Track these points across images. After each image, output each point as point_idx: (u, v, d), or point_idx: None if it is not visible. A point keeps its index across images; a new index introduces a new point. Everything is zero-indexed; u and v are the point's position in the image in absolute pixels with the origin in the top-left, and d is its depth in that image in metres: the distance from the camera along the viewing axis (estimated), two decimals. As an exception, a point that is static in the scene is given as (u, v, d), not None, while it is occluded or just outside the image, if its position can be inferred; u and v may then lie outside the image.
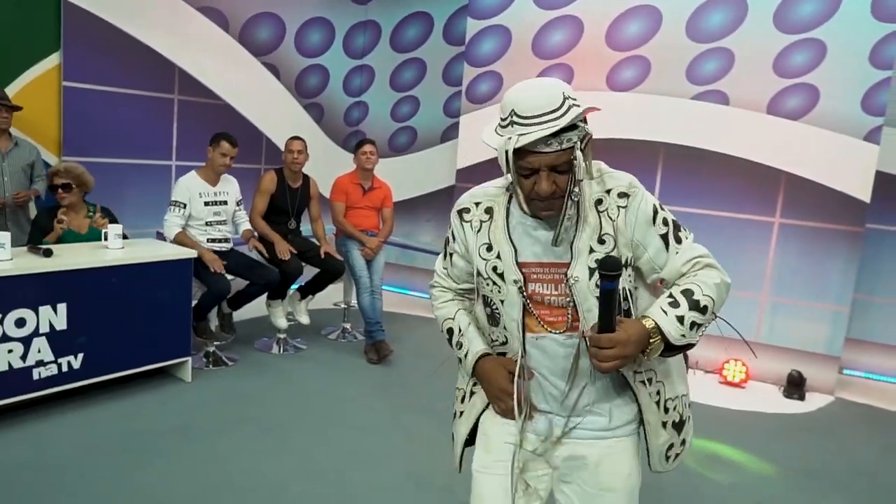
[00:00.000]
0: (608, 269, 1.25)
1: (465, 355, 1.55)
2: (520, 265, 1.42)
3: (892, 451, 3.84)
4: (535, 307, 1.43)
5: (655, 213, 1.41)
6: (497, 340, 1.52)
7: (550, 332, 1.43)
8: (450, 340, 1.59)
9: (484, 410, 1.59)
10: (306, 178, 4.78)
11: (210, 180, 4.26)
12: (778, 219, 4.69)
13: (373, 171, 4.92)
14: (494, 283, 1.45)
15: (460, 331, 1.57)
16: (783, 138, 4.62)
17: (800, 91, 4.58)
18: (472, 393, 1.61)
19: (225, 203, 4.33)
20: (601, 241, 1.38)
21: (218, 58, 5.25)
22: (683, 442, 1.57)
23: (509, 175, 1.37)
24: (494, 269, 1.44)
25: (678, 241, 1.43)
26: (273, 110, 5.79)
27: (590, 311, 1.38)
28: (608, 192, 1.40)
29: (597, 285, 1.34)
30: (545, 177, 1.29)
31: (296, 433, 3.38)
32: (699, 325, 1.36)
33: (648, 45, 4.93)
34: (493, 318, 1.50)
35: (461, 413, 1.64)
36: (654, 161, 4.94)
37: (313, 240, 4.86)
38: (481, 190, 1.51)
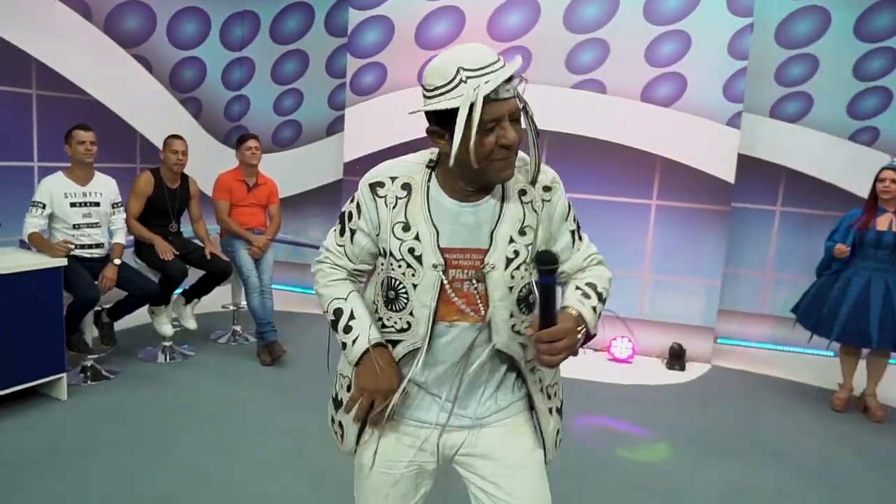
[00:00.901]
0: (546, 264, 1.22)
1: (354, 341, 1.41)
2: (441, 250, 1.36)
3: (764, 411, 4.17)
4: (454, 293, 1.38)
5: (569, 209, 1.47)
6: (393, 327, 1.42)
7: (463, 322, 1.40)
8: (335, 322, 1.44)
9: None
10: (185, 178, 4.54)
11: (79, 179, 3.93)
12: (655, 201, 4.95)
13: (257, 167, 4.76)
14: (409, 265, 1.36)
15: (352, 314, 1.43)
16: (656, 124, 4.87)
17: (669, 80, 4.85)
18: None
19: (97, 204, 4.00)
20: (522, 233, 1.38)
21: (81, 49, 4.87)
22: (562, 427, 1.62)
23: (430, 151, 1.40)
24: (411, 250, 1.35)
25: (580, 238, 1.50)
26: (146, 106, 5.45)
27: (501, 301, 1.37)
28: (532, 183, 1.40)
29: (511, 276, 1.36)
30: (510, 126, 1.25)
31: (185, 445, 3.21)
32: (600, 315, 1.42)
33: (528, 36, 5.05)
34: (396, 303, 1.40)
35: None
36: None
37: (196, 241, 4.64)
38: (399, 163, 1.41)
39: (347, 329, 1.42)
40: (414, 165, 1.40)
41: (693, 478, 3.17)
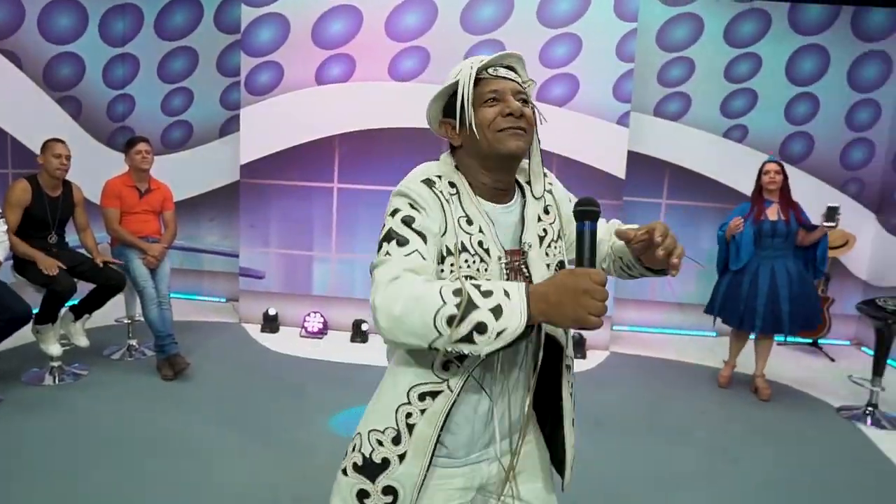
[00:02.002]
0: (588, 205, 1.17)
1: (507, 293, 1.12)
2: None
3: (661, 392, 4.46)
4: None
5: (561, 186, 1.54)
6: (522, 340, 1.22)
7: None
8: (466, 303, 1.11)
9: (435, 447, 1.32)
10: (67, 184, 4.23)
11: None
12: (552, 197, 5.15)
13: (149, 172, 4.52)
14: (482, 259, 1.30)
15: (476, 285, 1.14)
16: (551, 124, 5.03)
17: (563, 80, 5.05)
18: (409, 426, 1.31)
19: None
20: (546, 212, 1.44)
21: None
22: None
23: (444, 160, 1.39)
24: (480, 243, 1.31)
25: None
26: (17, 105, 5.04)
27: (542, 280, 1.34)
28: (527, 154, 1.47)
29: (546, 254, 1.39)
30: (511, 98, 1.31)
31: (84, 474, 2.97)
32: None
33: (426, 37, 5.09)
34: None
35: (401, 456, 1.32)
36: (438, 148, 5.10)
37: (83, 251, 4.35)
38: (432, 165, 1.37)
39: (488, 294, 1.12)
40: (446, 167, 1.38)
41: (599, 460, 3.35)
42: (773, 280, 4.24)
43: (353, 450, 1.38)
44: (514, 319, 1.10)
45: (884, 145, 5.74)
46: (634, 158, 5.42)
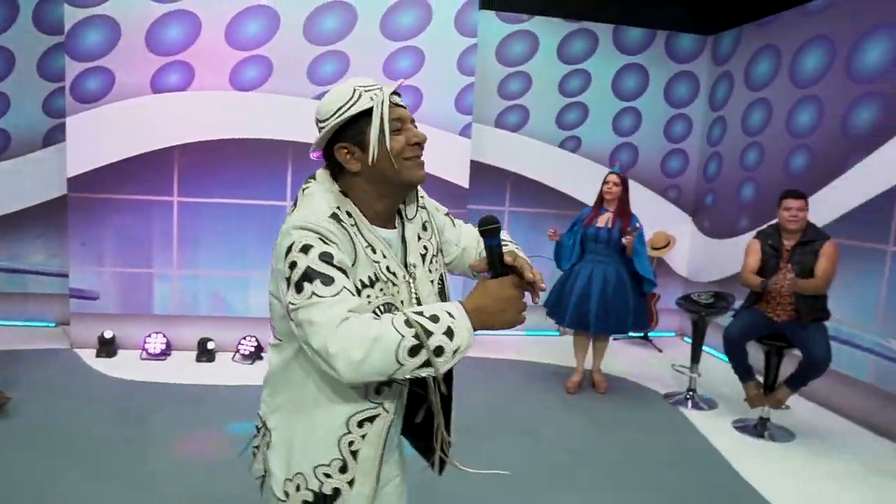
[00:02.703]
0: (488, 224, 1.30)
1: (450, 313, 1.20)
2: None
3: (509, 393, 4.66)
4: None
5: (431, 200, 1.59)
6: None
7: None
8: (422, 331, 1.16)
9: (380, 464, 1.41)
10: None
11: None
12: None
13: (-44, 187, 4.09)
14: (394, 283, 1.35)
15: (419, 311, 1.19)
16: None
17: (406, 93, 5.15)
18: (353, 453, 1.36)
19: None
20: (424, 228, 1.48)
21: None
22: None
23: (327, 188, 1.36)
24: (388, 268, 1.35)
25: (450, 217, 1.64)
26: None
27: (428, 297, 1.43)
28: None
29: (429, 270, 1.45)
30: (412, 127, 1.36)
31: None
32: None
33: (269, 46, 5.01)
34: None
35: (350, 482, 1.37)
36: (283, 160, 5.06)
37: None
38: (327, 196, 1.34)
39: (435, 318, 1.18)
40: (334, 196, 1.35)
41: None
42: (588, 282, 4.55)
43: (298, 489, 1.37)
44: (465, 336, 1.20)
45: (696, 156, 6.40)
46: (478, 168, 5.66)
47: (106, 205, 5.04)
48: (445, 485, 3.26)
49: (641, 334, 6.26)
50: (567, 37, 5.94)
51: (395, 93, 1.37)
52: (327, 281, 1.19)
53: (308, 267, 1.20)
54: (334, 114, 1.32)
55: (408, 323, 1.16)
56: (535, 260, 1.41)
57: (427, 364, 1.17)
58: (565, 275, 4.68)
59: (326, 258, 1.21)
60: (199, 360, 5.02)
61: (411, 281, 1.40)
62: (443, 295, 1.48)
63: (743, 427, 4.20)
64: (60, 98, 5.19)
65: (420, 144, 1.36)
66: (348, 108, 1.31)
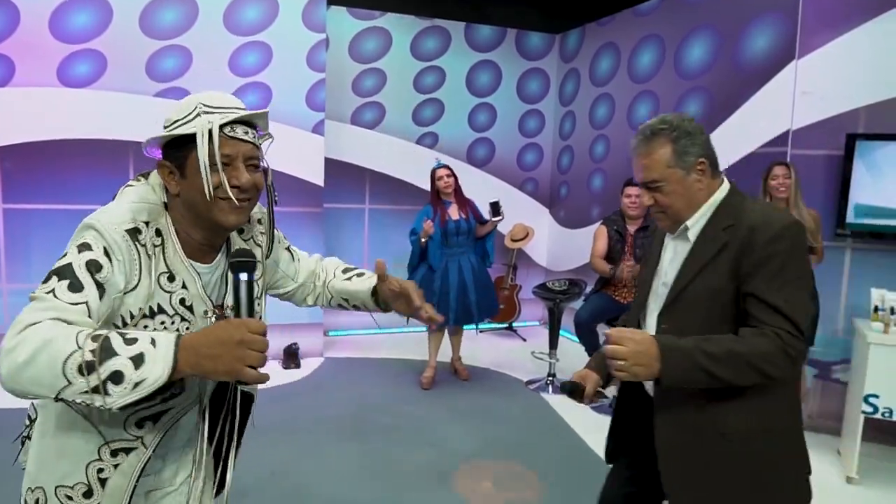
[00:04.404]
0: (241, 257, 1.19)
1: (153, 341, 1.03)
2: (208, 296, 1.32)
3: (372, 390, 4.64)
4: None
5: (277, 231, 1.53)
6: (160, 394, 1.12)
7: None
8: (103, 349, 1.00)
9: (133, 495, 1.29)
10: None
11: None
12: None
13: None
14: (184, 318, 1.26)
15: (121, 334, 1.04)
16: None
17: (255, 89, 5.00)
18: (101, 481, 1.26)
19: None
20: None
21: None
22: None
23: (151, 188, 1.27)
24: (182, 301, 1.25)
25: (294, 250, 1.61)
26: None
27: None
28: (248, 220, 1.41)
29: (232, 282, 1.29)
30: (243, 168, 1.23)
31: None
32: None
33: (101, 39, 4.68)
34: None
35: None
36: (124, 160, 4.75)
37: None
38: (141, 205, 1.22)
39: (132, 341, 1.02)
40: (155, 208, 1.25)
41: (318, 466, 3.39)
42: (461, 275, 4.64)
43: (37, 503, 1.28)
44: (157, 369, 1.01)
45: (549, 149, 6.65)
46: (335, 166, 5.59)
47: (-85, 214, 4.53)
48: (308, 485, 3.19)
49: (506, 325, 6.42)
50: (420, 34, 5.99)
51: (247, 122, 1.26)
52: (76, 287, 1.09)
53: (69, 264, 1.11)
54: (169, 125, 1.24)
55: (96, 338, 1.01)
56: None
57: (103, 391, 0.99)
58: (426, 275, 4.66)
59: (92, 268, 1.11)
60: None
61: (213, 319, 1.30)
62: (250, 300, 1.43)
63: (598, 407, 4.39)
64: None
65: (242, 189, 1.23)
66: (178, 126, 1.22)
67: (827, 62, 3.92)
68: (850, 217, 3.85)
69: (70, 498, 1.26)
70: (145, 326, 1.20)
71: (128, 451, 1.27)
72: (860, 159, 3.82)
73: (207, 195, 1.19)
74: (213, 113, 1.21)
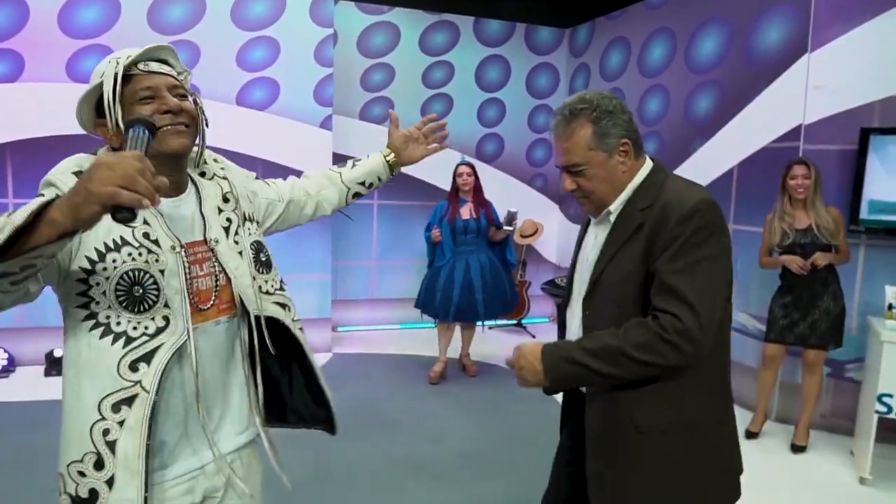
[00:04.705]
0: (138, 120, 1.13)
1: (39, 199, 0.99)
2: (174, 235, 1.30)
3: (381, 387, 4.63)
4: (195, 280, 1.30)
5: (247, 171, 1.58)
6: (145, 332, 1.21)
7: (215, 318, 1.34)
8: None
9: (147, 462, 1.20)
10: None
11: None
12: (263, 203, 5.08)
13: None
14: (150, 251, 1.23)
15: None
16: (253, 128, 4.98)
17: (263, 84, 4.99)
18: (110, 444, 1.19)
19: None
20: (225, 200, 1.42)
21: None
22: None
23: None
24: (146, 235, 1.24)
25: (268, 181, 1.63)
26: None
27: (238, 269, 1.36)
28: (204, 162, 1.45)
29: (235, 242, 1.39)
30: (169, 94, 1.25)
31: None
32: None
33: (110, 35, 4.68)
34: (145, 301, 1.21)
35: (109, 481, 1.19)
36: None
37: None
38: (82, 157, 1.26)
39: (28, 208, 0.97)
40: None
41: (322, 461, 3.38)
42: (467, 273, 4.62)
43: (60, 494, 1.23)
44: (21, 214, 0.95)
45: (559, 145, 6.59)
46: (342, 161, 5.56)
47: (-74, 209, 4.55)
48: (310, 479, 3.17)
49: (515, 322, 6.39)
50: (428, 28, 5.96)
51: (161, 60, 1.29)
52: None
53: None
54: (90, 90, 1.26)
55: None
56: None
57: None
58: (434, 271, 4.69)
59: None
60: (48, 374, 4.65)
61: (182, 252, 1.28)
62: (258, 263, 1.43)
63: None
64: None
65: (173, 112, 1.25)
66: (94, 83, 1.26)
67: (840, 55, 3.86)
68: (864, 213, 3.78)
69: (82, 474, 1.20)
70: (113, 260, 1.20)
71: (129, 400, 1.20)
72: (874, 154, 3.75)
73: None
74: (120, 58, 1.25)
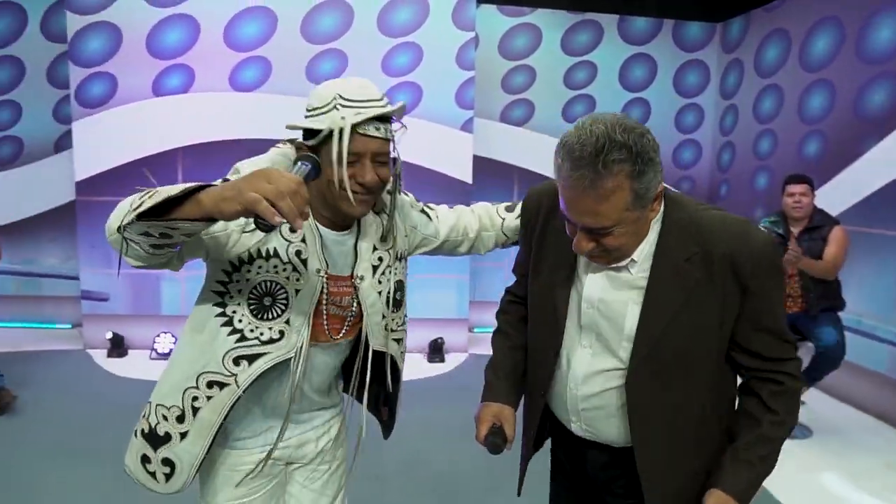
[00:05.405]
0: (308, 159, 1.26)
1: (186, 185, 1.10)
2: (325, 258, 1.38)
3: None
4: (329, 307, 1.39)
5: (408, 197, 1.59)
6: (258, 338, 1.33)
7: (332, 339, 1.43)
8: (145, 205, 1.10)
9: (218, 432, 1.37)
10: None
11: None
12: (403, 204, 5.22)
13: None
14: (295, 269, 1.32)
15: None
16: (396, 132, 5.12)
17: (406, 89, 5.14)
18: (194, 409, 1.36)
19: None
20: (383, 239, 1.46)
21: None
22: None
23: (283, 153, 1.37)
24: (298, 253, 1.33)
25: (431, 209, 1.64)
26: None
27: (373, 307, 1.43)
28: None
29: (378, 282, 1.45)
30: (369, 165, 1.28)
31: None
32: None
33: (267, 46, 5.03)
34: (271, 311, 1.33)
35: (183, 434, 1.37)
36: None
37: None
38: (279, 158, 1.35)
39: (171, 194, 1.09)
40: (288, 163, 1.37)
41: (451, 459, 3.41)
42: None
43: (143, 416, 1.43)
44: (175, 189, 1.08)
45: (708, 146, 6.25)
46: (483, 164, 5.60)
47: (112, 207, 5.09)
48: (441, 475, 3.19)
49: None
50: (570, 28, 5.85)
51: (378, 118, 1.28)
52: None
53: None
54: (309, 113, 1.31)
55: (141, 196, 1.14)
56: None
57: (139, 208, 1.08)
58: None
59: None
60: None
61: (324, 278, 1.36)
62: (394, 302, 1.49)
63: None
64: (68, 104, 5.28)
65: (365, 186, 1.29)
66: (314, 116, 1.29)
67: None
68: None
69: (165, 418, 1.38)
70: (259, 267, 1.30)
71: (221, 385, 1.34)
72: None
73: (334, 187, 1.27)
74: (348, 107, 1.25)
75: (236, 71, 5.02)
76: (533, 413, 1.51)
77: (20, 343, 5.14)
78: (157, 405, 1.40)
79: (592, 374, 1.35)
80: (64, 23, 5.13)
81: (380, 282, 1.44)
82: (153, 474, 1.40)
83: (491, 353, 1.60)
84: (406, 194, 1.59)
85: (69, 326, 5.75)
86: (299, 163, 1.22)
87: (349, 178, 1.26)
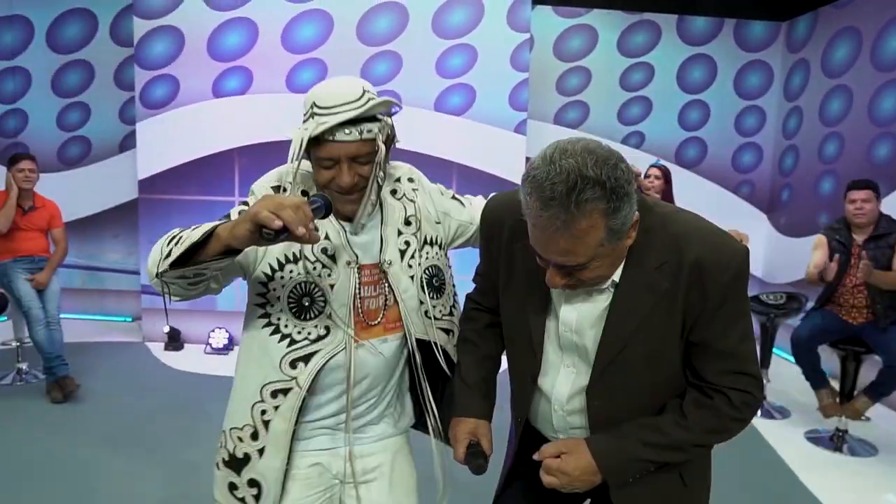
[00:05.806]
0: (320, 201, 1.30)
1: (208, 226, 1.20)
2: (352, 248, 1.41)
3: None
4: (364, 300, 1.40)
5: (436, 185, 1.59)
6: (307, 338, 1.37)
7: (370, 339, 1.42)
8: (171, 236, 1.25)
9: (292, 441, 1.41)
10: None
11: None
12: (455, 206, 5.22)
13: (32, 190, 4.36)
14: (324, 265, 1.36)
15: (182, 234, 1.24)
16: (450, 133, 5.14)
17: (459, 90, 5.14)
18: (265, 423, 1.39)
19: None
20: (407, 223, 1.47)
21: None
22: None
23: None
24: (324, 250, 1.37)
25: (462, 198, 1.62)
26: None
27: (406, 292, 1.43)
28: (398, 180, 1.49)
29: (409, 266, 1.45)
30: (346, 169, 1.30)
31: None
32: None
33: (323, 48, 5.10)
34: (311, 310, 1.36)
35: (260, 451, 1.40)
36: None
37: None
38: (286, 169, 1.39)
39: (178, 240, 1.22)
40: (308, 175, 1.41)
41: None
42: None
43: (221, 446, 1.47)
44: (196, 233, 1.18)
45: (770, 149, 6.04)
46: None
47: (173, 205, 5.27)
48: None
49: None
50: (627, 29, 5.75)
51: (353, 121, 1.27)
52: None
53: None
54: (302, 119, 1.36)
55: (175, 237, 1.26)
56: None
57: (170, 255, 1.20)
58: None
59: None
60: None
61: (356, 268, 1.39)
62: (430, 288, 1.47)
63: (817, 439, 3.90)
64: (133, 106, 5.47)
65: (344, 189, 1.32)
66: (304, 119, 1.35)
67: None
68: None
69: (240, 439, 1.42)
70: (290, 271, 1.35)
71: (285, 391, 1.37)
72: None
73: (320, 188, 1.35)
74: (319, 115, 1.28)
75: (293, 73, 5.11)
76: (516, 429, 1.51)
77: (84, 334, 5.34)
78: (231, 429, 1.44)
79: (577, 392, 1.33)
80: (131, 27, 5.31)
81: (410, 266, 1.44)
82: (242, 500, 1.42)
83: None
84: (438, 185, 1.60)
85: (129, 319, 5.95)
86: (310, 198, 1.27)
87: (331, 181, 1.31)
